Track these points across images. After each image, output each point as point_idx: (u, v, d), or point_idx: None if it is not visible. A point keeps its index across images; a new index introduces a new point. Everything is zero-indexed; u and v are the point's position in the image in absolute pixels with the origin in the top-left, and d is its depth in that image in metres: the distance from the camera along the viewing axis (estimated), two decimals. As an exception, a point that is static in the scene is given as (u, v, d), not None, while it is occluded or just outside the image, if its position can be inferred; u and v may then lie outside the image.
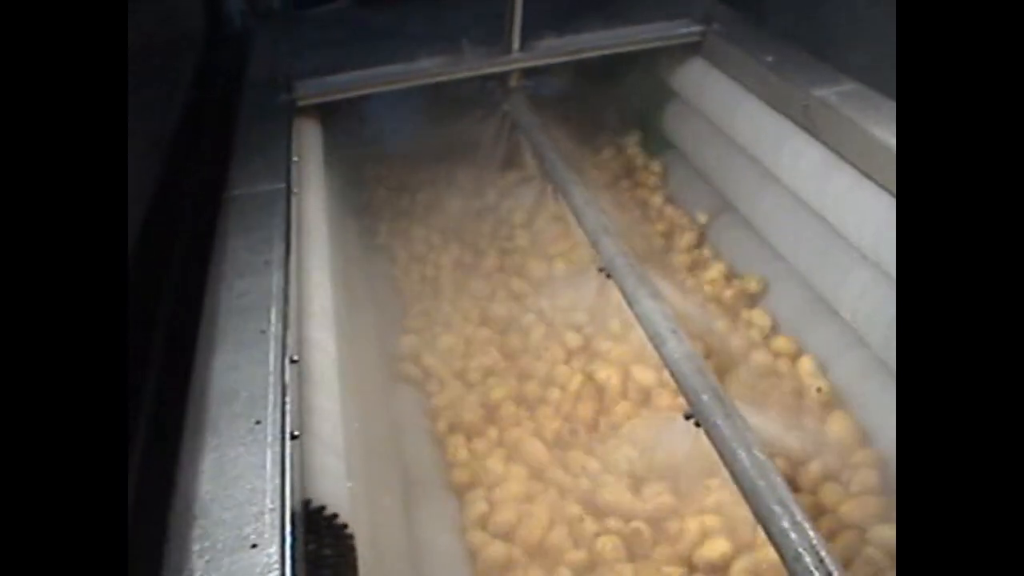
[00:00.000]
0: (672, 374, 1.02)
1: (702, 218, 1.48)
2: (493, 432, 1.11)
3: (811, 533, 0.81)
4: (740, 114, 1.38)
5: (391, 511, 0.89)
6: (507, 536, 0.97)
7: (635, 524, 0.95)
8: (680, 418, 0.97)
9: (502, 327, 1.29)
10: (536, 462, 1.07)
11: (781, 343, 1.23)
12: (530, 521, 0.97)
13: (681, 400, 0.99)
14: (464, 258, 1.44)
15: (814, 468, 1.01)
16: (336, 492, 0.71)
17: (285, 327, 0.79)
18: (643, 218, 1.54)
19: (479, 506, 1.01)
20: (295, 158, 1.08)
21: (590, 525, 0.95)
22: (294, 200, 0.98)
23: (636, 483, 1.02)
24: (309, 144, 1.23)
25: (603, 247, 1.21)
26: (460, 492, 1.04)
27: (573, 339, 1.24)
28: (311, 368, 0.82)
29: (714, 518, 0.96)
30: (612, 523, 0.96)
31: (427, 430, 1.11)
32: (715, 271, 1.37)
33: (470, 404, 1.14)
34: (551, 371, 1.20)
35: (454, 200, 1.54)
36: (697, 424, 0.96)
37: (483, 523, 1.00)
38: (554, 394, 1.16)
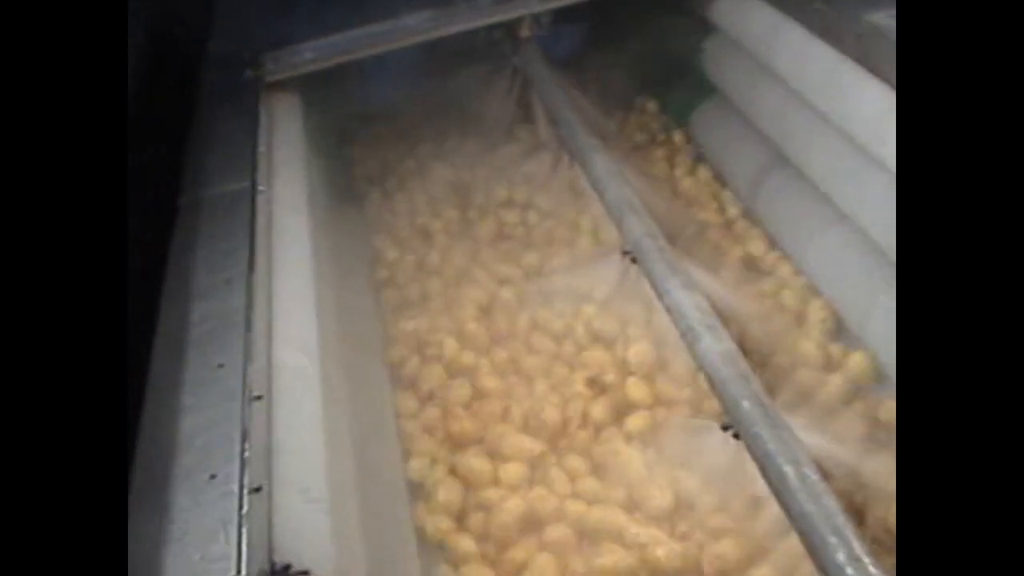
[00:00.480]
0: (707, 377, 0.97)
1: (745, 184, 1.42)
2: (483, 443, 1.08)
3: (872, 570, 0.76)
4: (784, 49, 1.30)
5: (392, 562, 0.87)
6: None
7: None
8: (716, 428, 0.93)
9: (511, 320, 1.25)
10: (528, 470, 1.04)
11: (836, 345, 1.17)
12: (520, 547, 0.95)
13: (717, 406, 0.96)
14: (468, 240, 1.41)
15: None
16: (318, 549, 0.68)
17: (247, 358, 0.75)
18: (677, 189, 1.49)
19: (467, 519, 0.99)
20: (262, 148, 1.03)
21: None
22: (261, 200, 0.94)
23: (666, 508, 0.98)
24: (284, 126, 1.19)
25: (628, 226, 1.16)
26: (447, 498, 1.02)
27: (587, 333, 1.20)
28: (285, 401, 0.78)
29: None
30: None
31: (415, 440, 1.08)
32: (758, 248, 1.31)
33: (460, 408, 1.11)
34: (561, 369, 1.16)
35: (456, 174, 1.49)
36: (736, 436, 0.92)
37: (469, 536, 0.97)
38: (562, 394, 1.12)
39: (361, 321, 1.21)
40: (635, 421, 1.07)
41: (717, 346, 0.97)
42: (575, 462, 1.04)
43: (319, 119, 1.34)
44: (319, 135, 1.31)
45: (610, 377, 1.12)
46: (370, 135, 1.58)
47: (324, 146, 1.35)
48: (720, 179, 1.50)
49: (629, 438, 1.06)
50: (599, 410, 1.09)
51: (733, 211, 1.42)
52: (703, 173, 1.51)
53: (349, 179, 1.52)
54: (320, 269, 0.98)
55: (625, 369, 1.13)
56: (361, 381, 1.03)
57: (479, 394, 1.13)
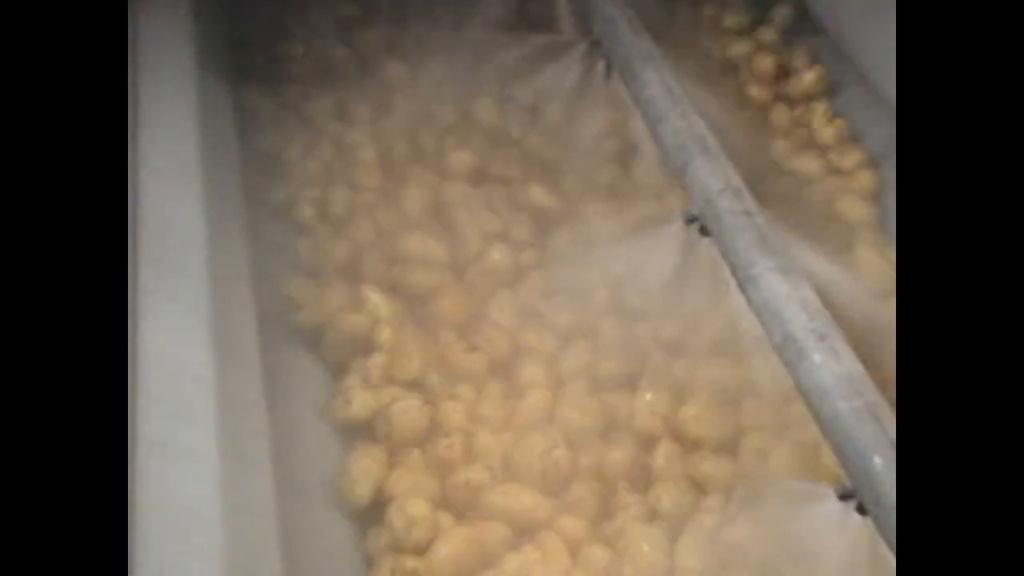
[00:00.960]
0: (817, 415, 0.92)
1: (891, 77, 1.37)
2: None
3: None
4: None
5: None
6: None
7: None
8: (831, 496, 0.89)
9: (495, 330, 1.23)
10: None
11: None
12: None
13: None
14: (442, 189, 1.38)
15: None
16: None
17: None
18: (774, 116, 1.48)
19: None
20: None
21: None
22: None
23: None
24: (159, 52, 1.13)
25: (696, 176, 1.11)
26: None
27: (615, 349, 1.20)
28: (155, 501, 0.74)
29: None
30: None
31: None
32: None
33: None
34: (567, 401, 1.16)
35: (430, 94, 1.47)
36: (862, 510, 0.87)
37: None
38: (567, 435, 1.13)
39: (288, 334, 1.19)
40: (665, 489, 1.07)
41: (833, 366, 0.91)
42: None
43: (225, 30, 1.32)
44: (220, 54, 1.30)
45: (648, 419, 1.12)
46: (309, 34, 1.56)
47: (228, 69, 1.32)
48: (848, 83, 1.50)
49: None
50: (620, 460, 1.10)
51: (857, 154, 1.40)
52: (816, 79, 1.51)
53: (274, 105, 1.48)
54: (218, 276, 0.95)
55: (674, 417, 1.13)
56: (290, 439, 1.00)
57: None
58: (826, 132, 1.44)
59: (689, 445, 1.12)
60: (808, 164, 1.39)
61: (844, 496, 0.87)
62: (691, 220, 1.10)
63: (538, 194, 1.36)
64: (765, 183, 1.24)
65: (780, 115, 1.48)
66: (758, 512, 1.01)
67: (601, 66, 1.33)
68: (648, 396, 1.14)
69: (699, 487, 1.09)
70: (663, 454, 1.11)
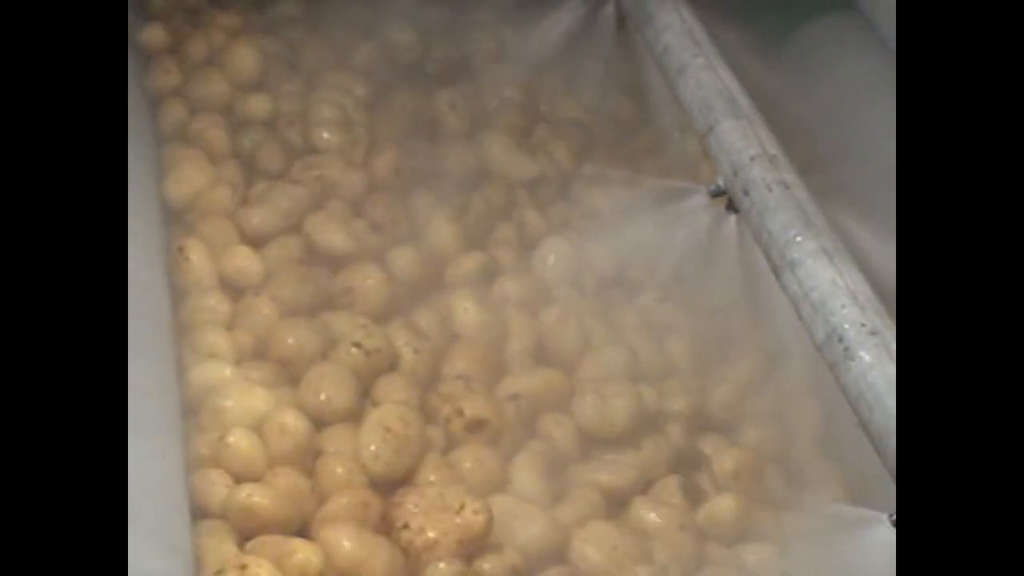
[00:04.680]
0: (866, 429, 0.90)
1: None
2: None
3: None
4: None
5: None
6: None
7: None
8: (884, 522, 0.88)
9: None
10: None
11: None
12: None
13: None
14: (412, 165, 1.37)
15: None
16: None
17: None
18: None
19: None
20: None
21: None
22: None
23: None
24: None
25: (723, 141, 1.10)
26: None
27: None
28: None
29: None
30: None
31: None
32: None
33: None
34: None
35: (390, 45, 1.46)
36: None
37: None
38: None
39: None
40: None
41: (887, 368, 0.89)
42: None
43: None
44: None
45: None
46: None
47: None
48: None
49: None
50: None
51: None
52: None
53: None
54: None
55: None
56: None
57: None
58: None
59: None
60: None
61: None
62: (717, 193, 1.09)
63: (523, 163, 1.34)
64: (811, 153, 1.21)
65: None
66: (811, 535, 0.99)
67: (610, 8, 1.32)
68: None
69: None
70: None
